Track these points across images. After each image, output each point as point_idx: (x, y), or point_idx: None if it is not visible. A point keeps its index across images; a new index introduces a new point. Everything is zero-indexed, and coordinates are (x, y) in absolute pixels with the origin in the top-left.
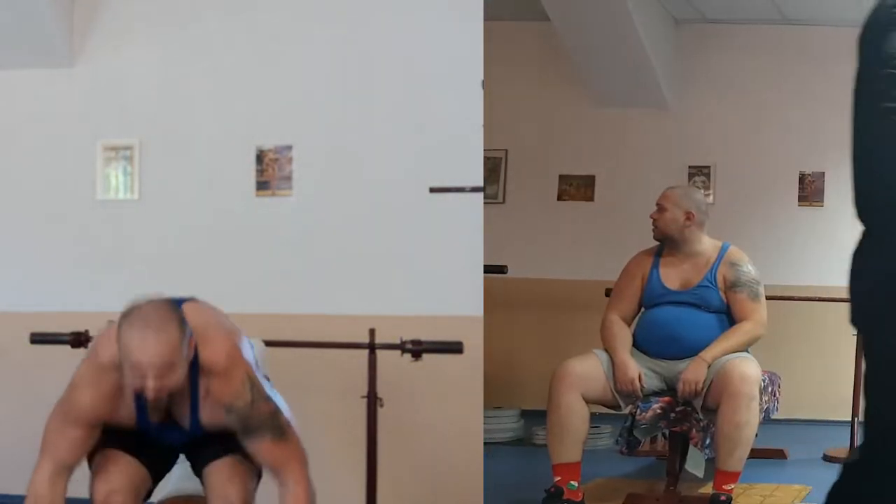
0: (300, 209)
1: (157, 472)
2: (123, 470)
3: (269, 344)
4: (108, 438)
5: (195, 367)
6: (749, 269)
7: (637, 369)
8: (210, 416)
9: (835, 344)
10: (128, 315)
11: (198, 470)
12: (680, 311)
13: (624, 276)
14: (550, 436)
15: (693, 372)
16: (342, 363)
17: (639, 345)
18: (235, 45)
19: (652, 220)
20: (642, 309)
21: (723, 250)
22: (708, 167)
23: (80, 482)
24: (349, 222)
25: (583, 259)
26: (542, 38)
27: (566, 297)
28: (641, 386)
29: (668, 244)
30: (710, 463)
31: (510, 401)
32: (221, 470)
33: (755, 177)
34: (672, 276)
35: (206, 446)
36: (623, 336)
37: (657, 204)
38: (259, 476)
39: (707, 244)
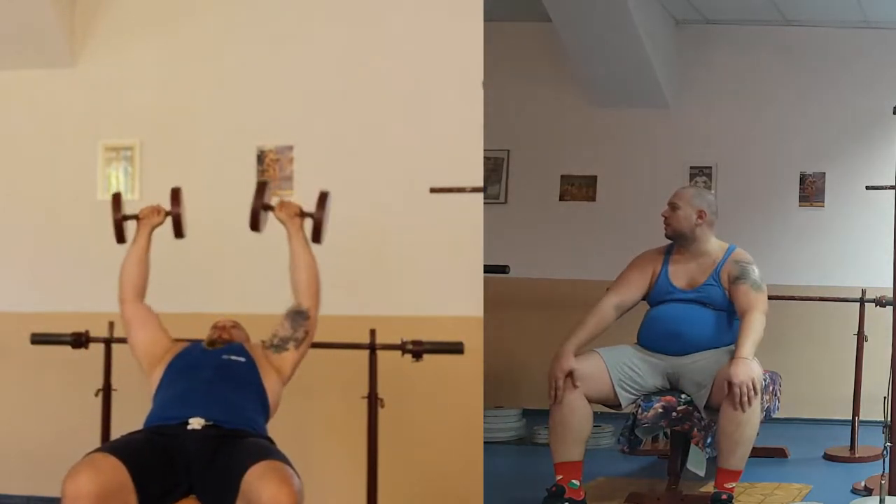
0: None
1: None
2: (100, 473)
3: None
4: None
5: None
6: (753, 268)
7: (572, 365)
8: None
9: (835, 344)
10: None
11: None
12: (684, 308)
13: (634, 267)
14: (552, 435)
15: (744, 373)
16: (343, 364)
17: (642, 341)
18: (236, 45)
19: (664, 218)
20: (648, 306)
21: (729, 251)
22: (709, 167)
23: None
24: (349, 222)
25: (585, 259)
26: (542, 38)
27: (568, 296)
28: (574, 384)
29: (677, 242)
30: (712, 462)
31: (512, 400)
32: (262, 472)
33: (756, 177)
34: (679, 275)
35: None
36: (592, 329)
37: (669, 203)
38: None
39: (715, 245)
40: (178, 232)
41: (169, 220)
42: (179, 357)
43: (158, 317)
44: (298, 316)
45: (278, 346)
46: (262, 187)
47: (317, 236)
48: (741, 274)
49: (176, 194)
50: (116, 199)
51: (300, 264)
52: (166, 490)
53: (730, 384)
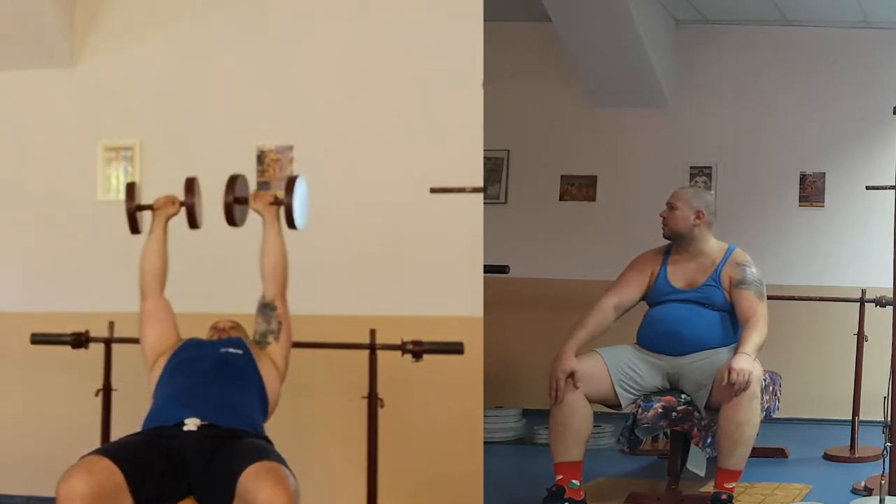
0: None
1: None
2: (93, 475)
3: None
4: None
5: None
6: (754, 270)
7: (573, 366)
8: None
9: (835, 344)
10: None
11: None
12: (683, 309)
13: (633, 267)
14: (552, 435)
15: (746, 363)
16: (343, 364)
17: (641, 342)
18: (236, 45)
19: (662, 219)
20: (647, 307)
21: (728, 252)
22: (709, 167)
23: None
24: (349, 222)
25: (585, 259)
26: (542, 38)
27: (568, 296)
28: (575, 385)
29: (676, 243)
30: (712, 462)
31: (512, 400)
32: (257, 473)
33: (756, 177)
34: (678, 275)
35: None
36: (592, 329)
37: (668, 203)
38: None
39: (714, 245)
40: (192, 223)
41: (183, 210)
42: (180, 350)
43: (174, 315)
44: (266, 309)
45: (260, 341)
46: (231, 181)
47: (290, 221)
48: (744, 279)
49: (190, 184)
50: (130, 188)
51: (268, 250)
52: (163, 492)
53: (730, 370)
